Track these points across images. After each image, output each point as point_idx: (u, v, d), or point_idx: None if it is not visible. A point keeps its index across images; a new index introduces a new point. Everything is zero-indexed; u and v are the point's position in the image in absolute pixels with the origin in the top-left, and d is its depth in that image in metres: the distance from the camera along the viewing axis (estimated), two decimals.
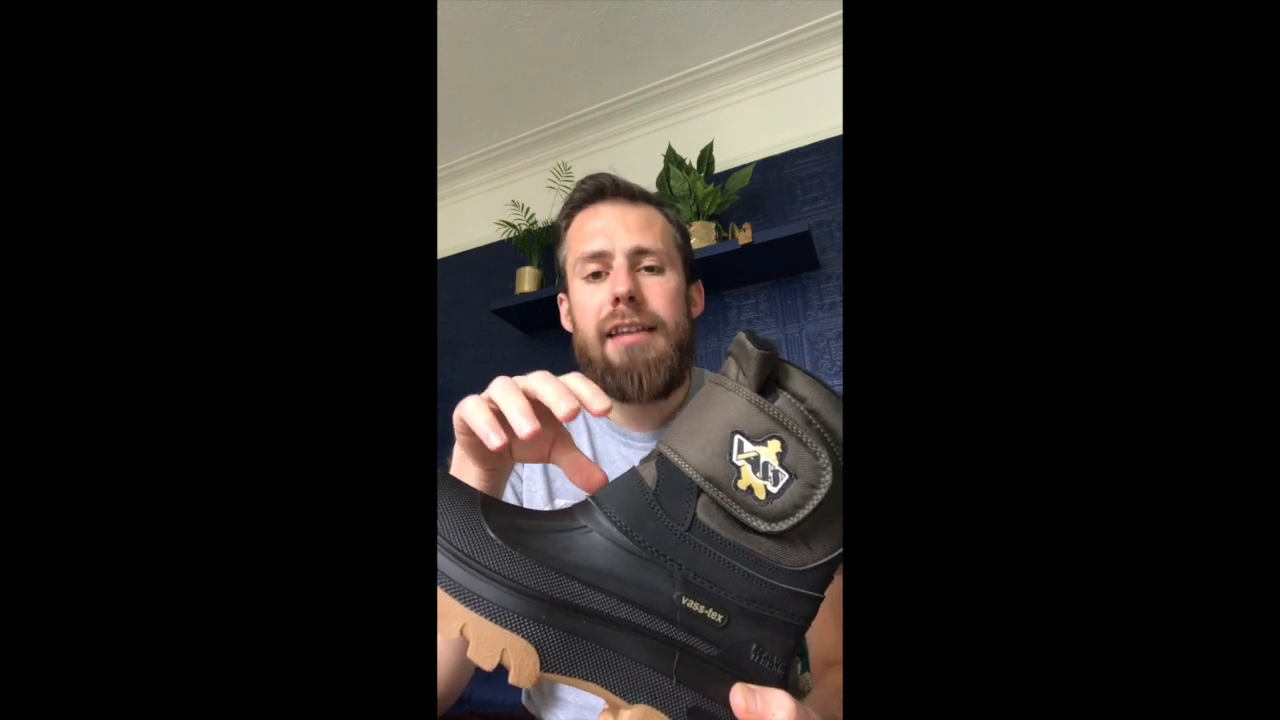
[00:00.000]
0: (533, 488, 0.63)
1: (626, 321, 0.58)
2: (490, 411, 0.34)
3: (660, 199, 0.67)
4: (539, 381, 0.34)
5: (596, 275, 0.61)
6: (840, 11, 1.50)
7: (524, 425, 0.32)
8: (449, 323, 1.92)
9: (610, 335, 0.59)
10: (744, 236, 1.33)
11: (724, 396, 0.29)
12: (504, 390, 0.34)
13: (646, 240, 0.61)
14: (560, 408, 0.32)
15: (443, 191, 2.07)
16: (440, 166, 2.01)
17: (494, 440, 0.32)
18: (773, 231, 1.33)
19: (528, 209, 1.72)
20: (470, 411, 0.34)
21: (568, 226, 0.65)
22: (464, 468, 0.41)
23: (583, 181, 0.65)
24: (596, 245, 0.60)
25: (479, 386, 0.42)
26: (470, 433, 0.35)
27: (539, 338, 1.77)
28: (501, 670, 0.26)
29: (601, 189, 0.64)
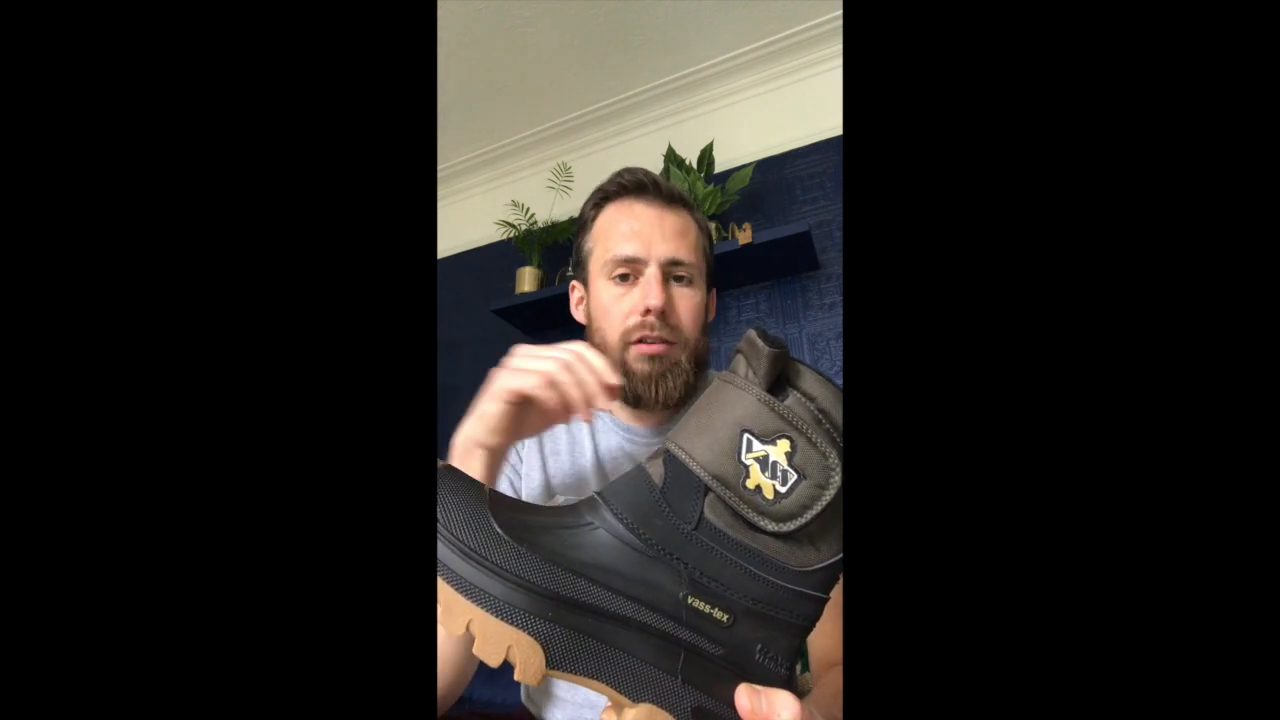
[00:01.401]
0: (531, 484, 0.64)
1: (653, 334, 0.58)
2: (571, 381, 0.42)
3: (692, 202, 0.65)
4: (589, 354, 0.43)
5: (625, 277, 0.60)
6: (840, 11, 1.50)
7: (601, 402, 0.42)
8: (449, 323, 1.92)
9: (634, 343, 0.59)
10: (744, 236, 1.33)
11: (733, 395, 0.29)
12: (582, 364, 0.42)
13: (681, 251, 0.60)
14: (612, 379, 0.42)
15: (443, 191, 2.07)
16: (440, 166, 2.01)
17: (583, 416, 0.43)
18: (773, 231, 1.33)
19: (528, 209, 1.72)
20: (560, 378, 0.42)
21: (596, 216, 0.64)
22: (469, 457, 0.44)
23: (620, 173, 0.63)
24: (630, 249, 0.59)
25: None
26: (520, 400, 0.43)
27: (539, 338, 1.77)
28: (503, 670, 0.26)
29: (641, 185, 0.62)
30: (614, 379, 0.42)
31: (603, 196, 0.64)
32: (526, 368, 0.42)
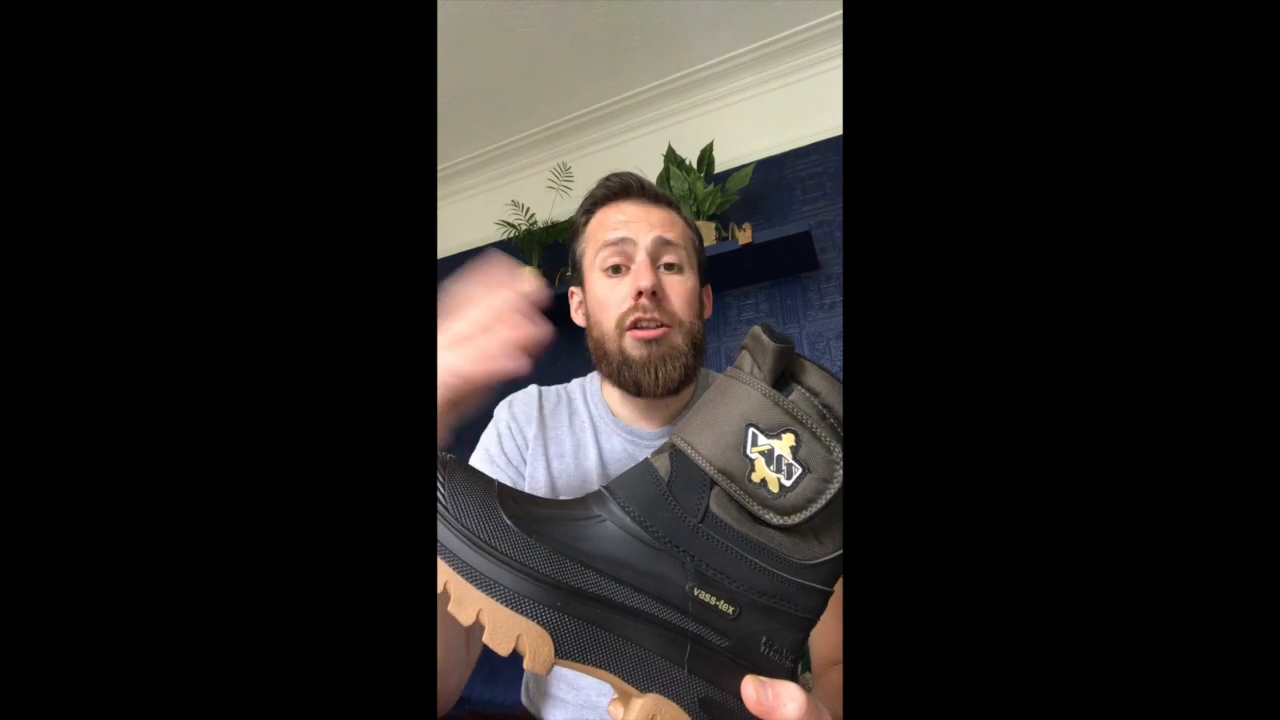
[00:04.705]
0: (536, 485, 0.64)
1: (647, 316, 0.59)
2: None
3: (678, 203, 0.68)
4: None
5: (617, 269, 0.62)
6: (840, 11, 1.50)
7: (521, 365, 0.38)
8: None
9: (629, 329, 0.59)
10: (744, 236, 1.33)
11: (739, 389, 0.29)
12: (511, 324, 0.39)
13: (670, 234, 0.62)
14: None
15: (443, 191, 2.07)
16: (440, 166, 2.01)
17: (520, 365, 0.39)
18: (773, 231, 1.33)
19: (528, 209, 1.72)
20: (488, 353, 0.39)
21: (587, 222, 0.66)
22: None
23: (607, 179, 0.66)
24: (619, 233, 0.61)
25: None
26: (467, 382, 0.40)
27: None
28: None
29: (627, 187, 0.65)
30: (529, 287, 0.40)
31: (592, 203, 0.66)
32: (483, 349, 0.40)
